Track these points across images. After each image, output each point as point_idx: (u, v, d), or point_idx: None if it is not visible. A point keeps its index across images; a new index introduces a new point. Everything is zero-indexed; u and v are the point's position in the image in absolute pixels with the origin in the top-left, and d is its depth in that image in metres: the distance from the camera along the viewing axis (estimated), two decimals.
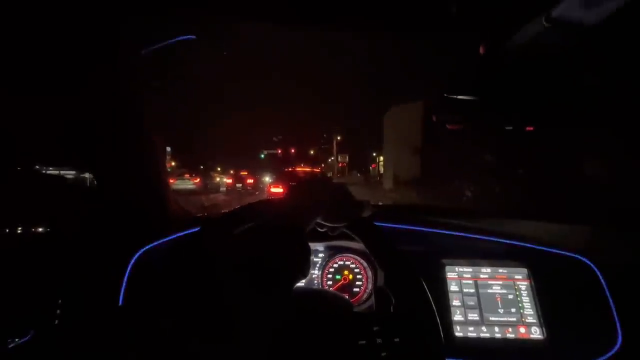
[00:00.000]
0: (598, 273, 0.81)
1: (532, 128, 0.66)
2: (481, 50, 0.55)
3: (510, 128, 0.66)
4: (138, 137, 0.87)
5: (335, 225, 0.53)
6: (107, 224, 0.86)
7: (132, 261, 0.77)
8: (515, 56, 0.53)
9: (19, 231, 0.84)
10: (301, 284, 0.89)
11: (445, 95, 0.78)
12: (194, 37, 1.12)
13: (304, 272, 0.41)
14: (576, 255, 0.84)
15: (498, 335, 0.78)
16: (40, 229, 0.83)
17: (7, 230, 0.79)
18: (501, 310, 0.81)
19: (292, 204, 0.46)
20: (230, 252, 0.36)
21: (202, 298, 0.30)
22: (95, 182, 0.88)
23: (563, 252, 0.85)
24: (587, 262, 0.83)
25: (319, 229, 0.55)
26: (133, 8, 0.80)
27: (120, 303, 0.72)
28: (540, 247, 0.86)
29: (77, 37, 0.75)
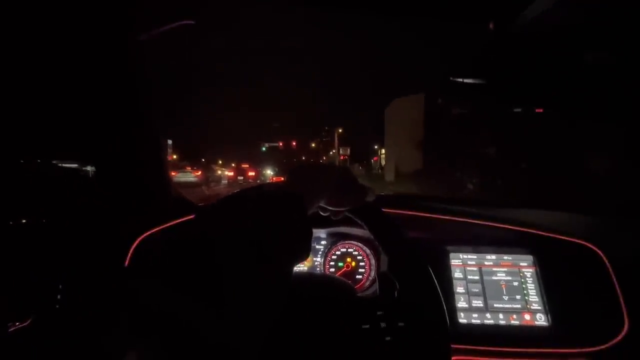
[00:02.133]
0: (605, 260, 0.80)
1: (541, 110, 0.64)
2: (491, 26, 0.53)
3: (519, 110, 0.64)
4: (139, 127, 0.86)
5: (339, 209, 0.52)
6: (108, 212, 0.85)
7: (133, 247, 0.76)
8: (523, 33, 0.51)
9: (21, 222, 0.84)
10: (304, 270, 0.89)
11: (450, 78, 0.76)
12: (192, 22, 1.09)
13: (302, 255, 0.39)
14: (583, 242, 0.82)
15: (502, 322, 0.78)
16: (43, 220, 0.82)
17: (10, 222, 0.79)
18: (506, 297, 0.80)
19: (294, 186, 0.44)
20: (226, 227, 0.34)
21: (194, 267, 0.29)
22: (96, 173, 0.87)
23: (569, 239, 0.83)
24: (595, 249, 0.81)
25: (322, 213, 0.54)
26: None
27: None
28: (546, 234, 0.85)
29: (78, 28, 0.74)
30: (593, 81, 0.64)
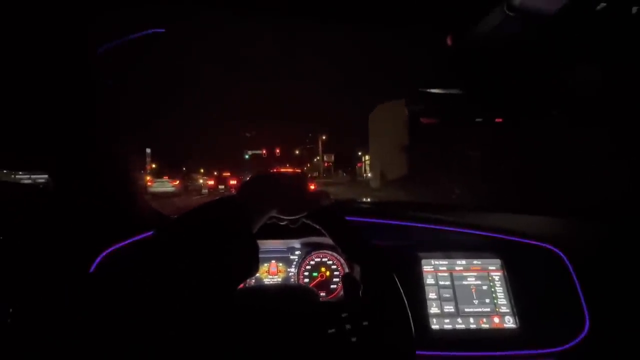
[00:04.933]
0: (567, 262, 0.84)
1: (501, 120, 0.67)
2: (448, 42, 0.56)
3: (480, 120, 0.67)
4: (102, 137, 0.83)
5: (294, 217, 0.52)
6: (68, 227, 0.82)
7: (96, 264, 0.73)
8: (479, 47, 0.54)
9: None
10: (277, 281, 0.88)
11: (419, 89, 0.79)
12: (162, 30, 1.08)
13: (249, 272, 0.40)
14: (546, 245, 0.86)
15: (473, 326, 0.80)
16: None
17: None
18: (476, 301, 0.82)
19: (239, 201, 0.45)
20: (172, 252, 0.35)
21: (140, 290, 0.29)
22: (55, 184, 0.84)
23: (534, 242, 0.87)
24: (557, 251, 0.85)
25: (280, 223, 0.54)
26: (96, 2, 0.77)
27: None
28: (512, 238, 0.88)
29: (39, 34, 0.71)
30: (547, 90, 0.68)
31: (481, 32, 0.50)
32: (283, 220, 0.54)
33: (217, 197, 0.43)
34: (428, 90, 0.78)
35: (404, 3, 0.55)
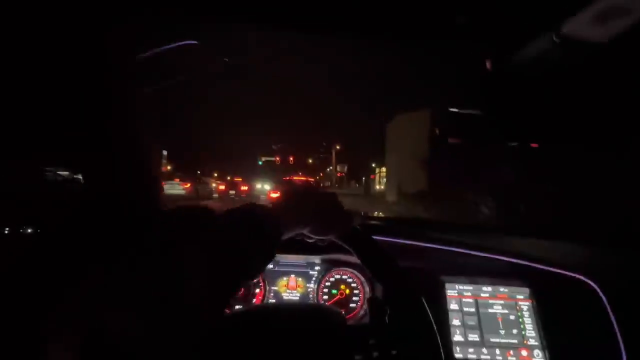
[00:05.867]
0: (602, 294, 0.80)
1: (536, 145, 0.65)
2: (488, 65, 0.55)
3: (515, 144, 0.65)
4: (129, 139, 0.85)
5: (324, 237, 0.53)
6: (94, 225, 0.84)
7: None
8: (521, 72, 0.53)
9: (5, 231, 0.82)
10: (295, 299, 0.87)
11: (449, 109, 0.78)
12: (195, 42, 1.12)
13: (250, 276, 0.42)
14: (579, 276, 0.83)
15: (499, 359, 0.76)
16: (29, 230, 0.80)
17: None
18: (502, 332, 0.79)
19: (275, 212, 0.46)
20: (188, 236, 0.37)
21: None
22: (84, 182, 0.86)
23: (565, 272, 0.83)
24: (590, 282, 0.81)
25: (308, 240, 0.54)
26: (131, 9, 0.80)
27: None
28: (542, 266, 0.85)
29: (72, 36, 0.75)
30: (590, 120, 0.66)
31: (524, 58, 0.50)
32: (312, 238, 0.54)
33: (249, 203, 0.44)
34: (459, 110, 0.77)
35: (443, 23, 0.55)
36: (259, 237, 0.41)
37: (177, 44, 1.12)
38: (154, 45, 1.04)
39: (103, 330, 0.29)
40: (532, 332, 0.79)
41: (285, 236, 0.46)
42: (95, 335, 0.28)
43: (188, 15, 0.87)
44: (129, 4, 0.76)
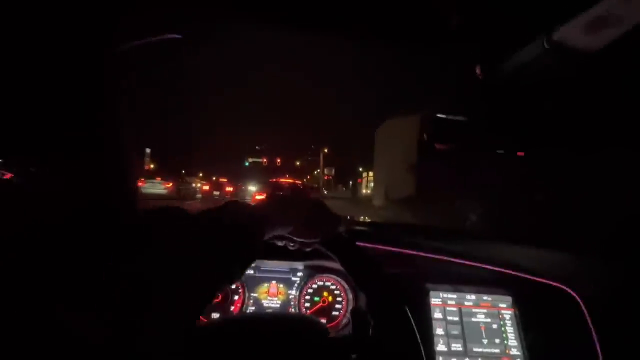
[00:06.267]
0: (581, 304, 0.81)
1: (522, 153, 0.65)
2: (477, 71, 0.55)
3: (502, 152, 0.65)
4: (107, 135, 0.81)
5: (306, 241, 0.51)
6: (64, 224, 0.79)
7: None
8: (511, 79, 0.52)
9: None
10: (276, 306, 0.84)
11: (437, 115, 0.77)
12: (179, 36, 1.08)
13: (231, 277, 0.39)
14: (560, 285, 0.83)
15: None
16: None
17: None
18: (485, 341, 0.79)
19: (260, 211, 0.45)
20: (169, 233, 0.36)
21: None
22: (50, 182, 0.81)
23: (547, 281, 0.84)
24: (571, 292, 0.82)
25: (290, 246, 0.52)
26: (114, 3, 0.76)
27: None
28: (524, 275, 0.85)
29: (56, 32, 0.70)
30: (578, 127, 0.67)
31: (514, 65, 0.49)
32: (295, 243, 0.52)
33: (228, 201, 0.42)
34: (447, 116, 0.76)
35: (434, 28, 0.54)
36: (240, 235, 0.39)
37: (161, 37, 1.08)
38: (134, 36, 1.00)
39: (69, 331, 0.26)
40: (514, 341, 0.79)
41: (268, 235, 0.45)
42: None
43: (183, 11, 0.84)
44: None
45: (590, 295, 0.82)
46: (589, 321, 0.80)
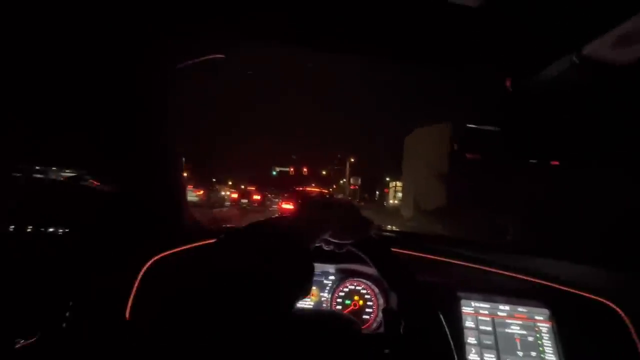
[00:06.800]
0: (626, 319, 0.77)
1: (557, 162, 0.66)
2: (507, 84, 0.57)
3: (535, 162, 0.66)
4: (162, 147, 0.91)
5: (342, 242, 0.54)
6: (123, 229, 0.88)
7: (144, 269, 0.78)
8: (542, 90, 0.54)
9: (35, 231, 0.87)
10: (309, 306, 0.88)
11: (467, 125, 0.79)
12: (223, 56, 1.18)
13: (304, 291, 0.41)
14: (603, 300, 0.80)
15: None
16: (59, 231, 0.85)
17: (28, 230, 0.82)
18: (520, 353, 0.77)
19: (300, 221, 0.48)
20: (233, 264, 0.36)
21: (196, 309, 0.31)
22: (115, 188, 0.91)
23: (588, 295, 0.81)
24: (615, 307, 0.79)
25: (325, 247, 0.56)
26: (165, 25, 0.86)
27: (127, 309, 0.73)
28: (564, 288, 0.83)
29: (112, 47, 0.81)
30: (611, 139, 0.66)
31: (544, 78, 0.51)
32: (330, 244, 0.56)
33: (277, 216, 0.45)
34: (478, 126, 0.78)
35: (465, 43, 0.57)
36: (291, 258, 0.40)
37: (206, 57, 1.19)
38: (184, 55, 1.11)
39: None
40: (552, 355, 0.77)
41: (313, 243, 0.46)
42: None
43: (218, 30, 0.93)
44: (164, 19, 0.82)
45: (635, 311, 0.78)
46: (635, 337, 0.76)
